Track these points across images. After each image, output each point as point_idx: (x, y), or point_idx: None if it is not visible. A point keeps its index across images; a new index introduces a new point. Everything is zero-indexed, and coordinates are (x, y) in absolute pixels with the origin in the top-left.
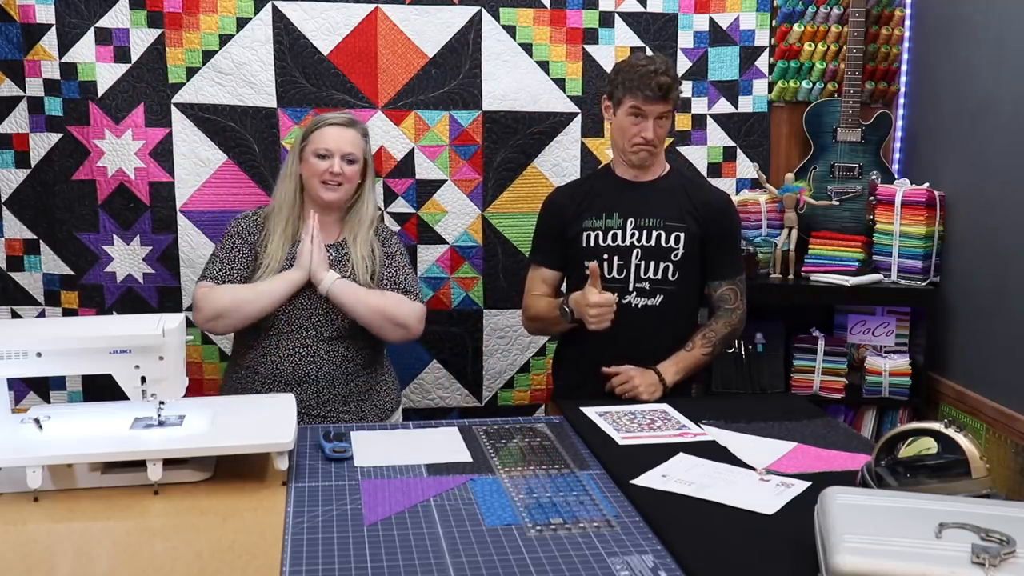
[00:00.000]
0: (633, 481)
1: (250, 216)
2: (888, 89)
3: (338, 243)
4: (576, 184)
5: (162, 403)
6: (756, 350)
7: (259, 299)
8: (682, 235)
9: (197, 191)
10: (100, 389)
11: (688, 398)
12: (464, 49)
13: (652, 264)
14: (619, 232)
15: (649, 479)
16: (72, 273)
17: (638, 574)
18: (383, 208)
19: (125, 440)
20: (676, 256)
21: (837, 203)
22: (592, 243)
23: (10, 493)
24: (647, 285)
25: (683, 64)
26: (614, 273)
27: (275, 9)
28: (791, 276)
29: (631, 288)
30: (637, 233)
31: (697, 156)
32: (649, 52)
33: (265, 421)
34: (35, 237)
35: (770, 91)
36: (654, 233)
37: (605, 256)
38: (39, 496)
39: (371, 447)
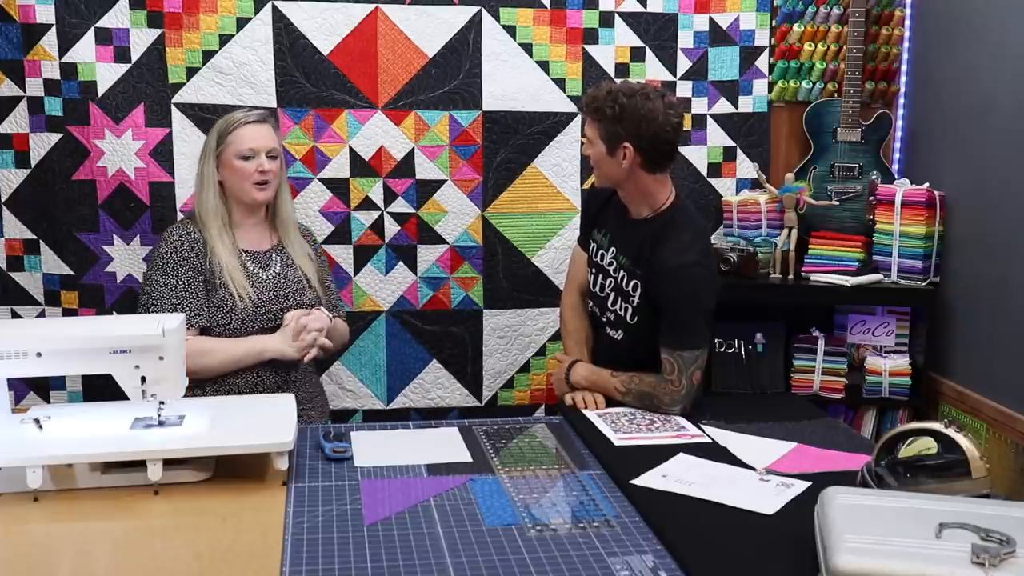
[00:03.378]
0: (633, 481)
1: (184, 234)
2: (888, 89)
3: (275, 247)
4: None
5: (162, 403)
6: (756, 350)
7: (222, 367)
8: (639, 285)
9: None
10: (100, 389)
11: None
12: (464, 49)
13: (618, 299)
14: (606, 253)
15: (649, 479)
16: (72, 273)
17: (638, 574)
18: (383, 208)
19: (125, 440)
20: (633, 302)
21: (837, 203)
22: (592, 254)
23: (10, 493)
24: (612, 317)
25: (683, 64)
26: (597, 291)
27: (275, 9)
28: (791, 276)
29: (605, 312)
30: (614, 264)
31: (697, 156)
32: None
33: (265, 421)
34: (35, 237)
35: (770, 91)
36: (621, 272)
37: (593, 271)
38: (39, 496)
39: (371, 447)
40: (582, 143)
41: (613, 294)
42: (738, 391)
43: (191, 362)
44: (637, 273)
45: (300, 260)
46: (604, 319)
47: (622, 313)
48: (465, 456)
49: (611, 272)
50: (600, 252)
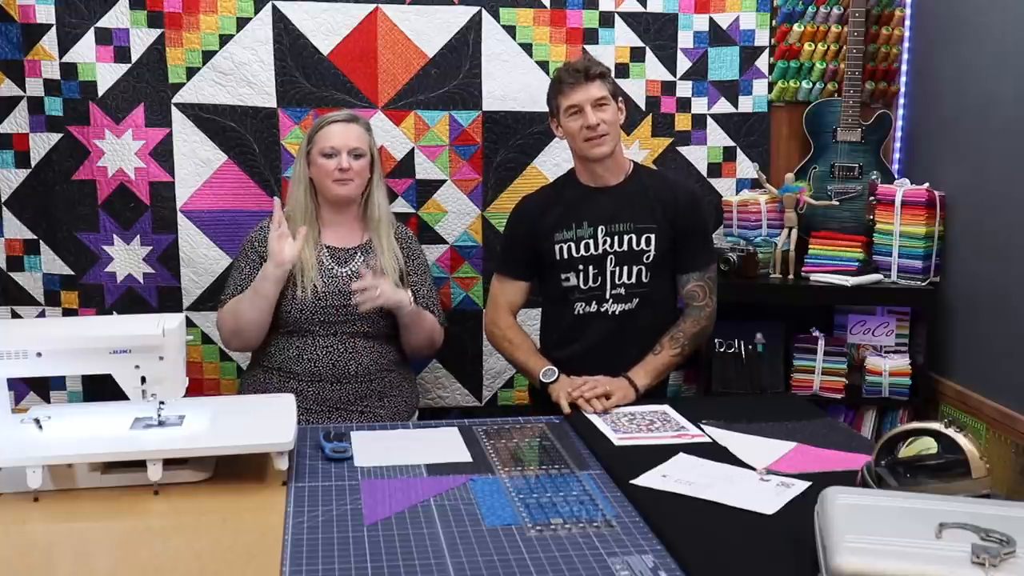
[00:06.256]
0: (633, 481)
1: (265, 227)
2: (888, 89)
3: (361, 245)
4: (545, 193)
5: (162, 403)
6: (756, 350)
7: (251, 301)
8: (653, 236)
9: (197, 191)
10: (100, 389)
11: (678, 399)
12: (464, 49)
13: (626, 269)
14: (591, 241)
15: (649, 479)
16: (72, 273)
17: (638, 574)
18: None
19: (125, 440)
20: (648, 259)
21: (837, 203)
22: (566, 255)
23: (10, 493)
24: (622, 291)
25: (683, 64)
26: (590, 283)
27: (275, 9)
28: (791, 276)
29: (608, 296)
30: (609, 239)
31: (697, 156)
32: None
33: (265, 421)
34: (35, 237)
35: (770, 91)
36: (625, 237)
37: (580, 267)
38: (39, 496)
39: (371, 447)
40: (576, 113)
41: (616, 270)
42: (738, 391)
43: (230, 332)
44: (643, 226)
45: (384, 259)
46: (605, 303)
47: (632, 280)
48: (465, 456)
49: (609, 249)
50: (583, 243)
